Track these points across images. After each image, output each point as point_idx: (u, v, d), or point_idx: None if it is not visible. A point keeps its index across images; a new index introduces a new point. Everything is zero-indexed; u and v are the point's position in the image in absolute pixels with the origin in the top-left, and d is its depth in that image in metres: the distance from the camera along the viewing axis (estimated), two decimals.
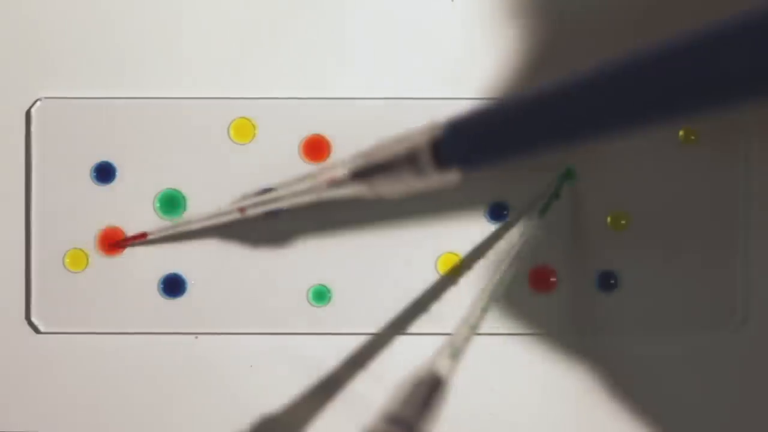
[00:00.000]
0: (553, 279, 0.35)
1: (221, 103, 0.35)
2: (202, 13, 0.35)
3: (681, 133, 0.35)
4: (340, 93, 0.35)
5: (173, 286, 0.35)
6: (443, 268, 0.35)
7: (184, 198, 0.35)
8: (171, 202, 0.35)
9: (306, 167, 0.35)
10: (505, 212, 0.35)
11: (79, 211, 0.35)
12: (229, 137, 0.35)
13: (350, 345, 0.35)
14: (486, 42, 0.35)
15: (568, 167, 0.35)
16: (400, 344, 0.35)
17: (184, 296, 0.35)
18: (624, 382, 0.36)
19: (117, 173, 0.35)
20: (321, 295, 0.35)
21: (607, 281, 0.35)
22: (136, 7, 0.35)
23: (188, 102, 0.35)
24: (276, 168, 0.35)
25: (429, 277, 0.35)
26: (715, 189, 0.35)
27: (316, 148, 0.35)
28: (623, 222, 0.35)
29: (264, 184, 0.35)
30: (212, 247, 0.35)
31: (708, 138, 0.35)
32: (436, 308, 0.35)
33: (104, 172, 0.35)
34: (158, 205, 0.35)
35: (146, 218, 0.35)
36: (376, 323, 0.35)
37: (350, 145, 0.35)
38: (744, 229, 0.35)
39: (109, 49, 0.35)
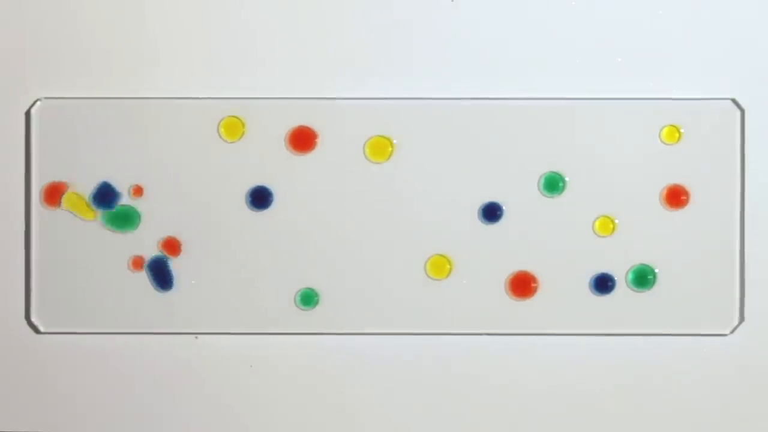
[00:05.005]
0: (534, 284, 0.35)
1: (210, 102, 0.35)
2: (198, 16, 0.35)
3: (665, 130, 0.35)
4: (329, 93, 0.35)
5: (162, 277, 0.35)
6: (432, 270, 0.35)
7: (138, 214, 0.35)
8: (121, 218, 0.35)
9: (295, 159, 0.35)
10: (499, 213, 0.35)
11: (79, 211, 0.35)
12: (219, 136, 0.35)
13: (340, 346, 0.35)
14: (485, 42, 0.35)
15: (556, 171, 0.35)
16: (390, 345, 0.35)
17: (174, 293, 0.35)
18: (620, 383, 0.36)
19: (111, 174, 0.35)
20: (308, 298, 0.35)
21: (605, 284, 0.35)
22: (135, 8, 0.35)
23: (181, 102, 0.35)
24: (266, 165, 0.35)
25: (418, 280, 0.35)
26: (709, 188, 0.35)
27: (303, 138, 0.35)
28: (611, 226, 0.35)
29: (254, 181, 0.35)
30: (205, 245, 0.35)
31: (696, 136, 0.35)
32: (425, 310, 0.35)
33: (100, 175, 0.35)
34: (105, 221, 0.35)
35: None
36: (364, 326, 0.35)
37: (337, 138, 0.35)
38: (740, 230, 0.35)
39: (108, 50, 0.35)
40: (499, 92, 0.35)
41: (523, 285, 0.35)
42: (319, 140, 0.35)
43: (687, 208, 0.35)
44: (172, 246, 0.35)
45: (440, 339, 0.35)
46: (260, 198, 0.35)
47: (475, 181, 0.35)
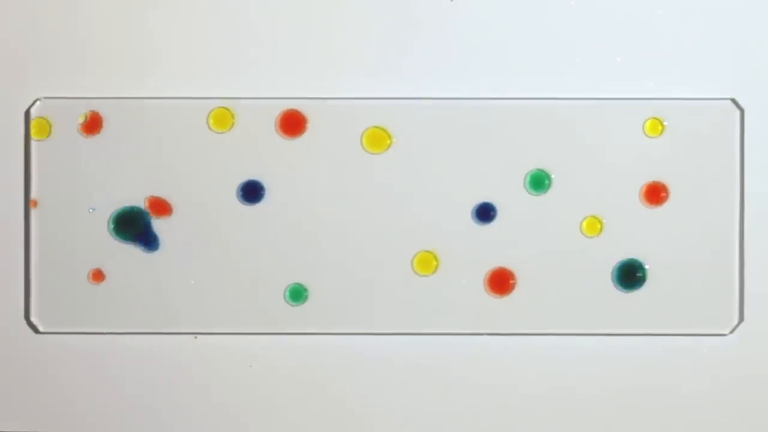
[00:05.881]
0: (512, 281, 0.35)
1: (200, 93, 0.35)
2: (199, 16, 0.35)
3: (648, 123, 0.35)
4: (326, 93, 0.35)
5: (149, 242, 0.35)
6: (419, 266, 0.35)
7: (146, 215, 0.35)
8: (126, 220, 0.35)
9: (286, 143, 0.35)
10: (493, 213, 0.35)
11: (79, 212, 0.35)
12: (209, 127, 0.35)
13: (331, 344, 0.35)
14: (484, 42, 0.35)
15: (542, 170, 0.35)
16: (384, 344, 0.35)
17: (166, 289, 0.35)
18: (619, 383, 0.36)
19: (108, 171, 0.35)
20: (297, 294, 0.35)
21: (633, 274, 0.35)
22: (136, 8, 0.35)
23: (179, 101, 0.35)
24: (256, 155, 0.35)
25: (406, 276, 0.35)
26: (708, 188, 0.35)
27: (293, 123, 0.35)
28: (598, 226, 0.35)
29: (245, 172, 0.35)
30: (195, 239, 0.35)
31: (695, 136, 0.35)
32: (414, 307, 0.35)
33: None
34: (112, 226, 0.35)
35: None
36: (353, 322, 0.35)
37: (328, 120, 0.35)
38: (739, 230, 0.35)
39: (107, 49, 0.35)
40: (501, 92, 0.35)
41: (502, 282, 0.35)
42: (311, 132, 0.35)
43: (686, 207, 0.35)
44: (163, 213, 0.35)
45: (432, 335, 0.35)
46: (252, 192, 0.35)
47: (469, 179, 0.35)
